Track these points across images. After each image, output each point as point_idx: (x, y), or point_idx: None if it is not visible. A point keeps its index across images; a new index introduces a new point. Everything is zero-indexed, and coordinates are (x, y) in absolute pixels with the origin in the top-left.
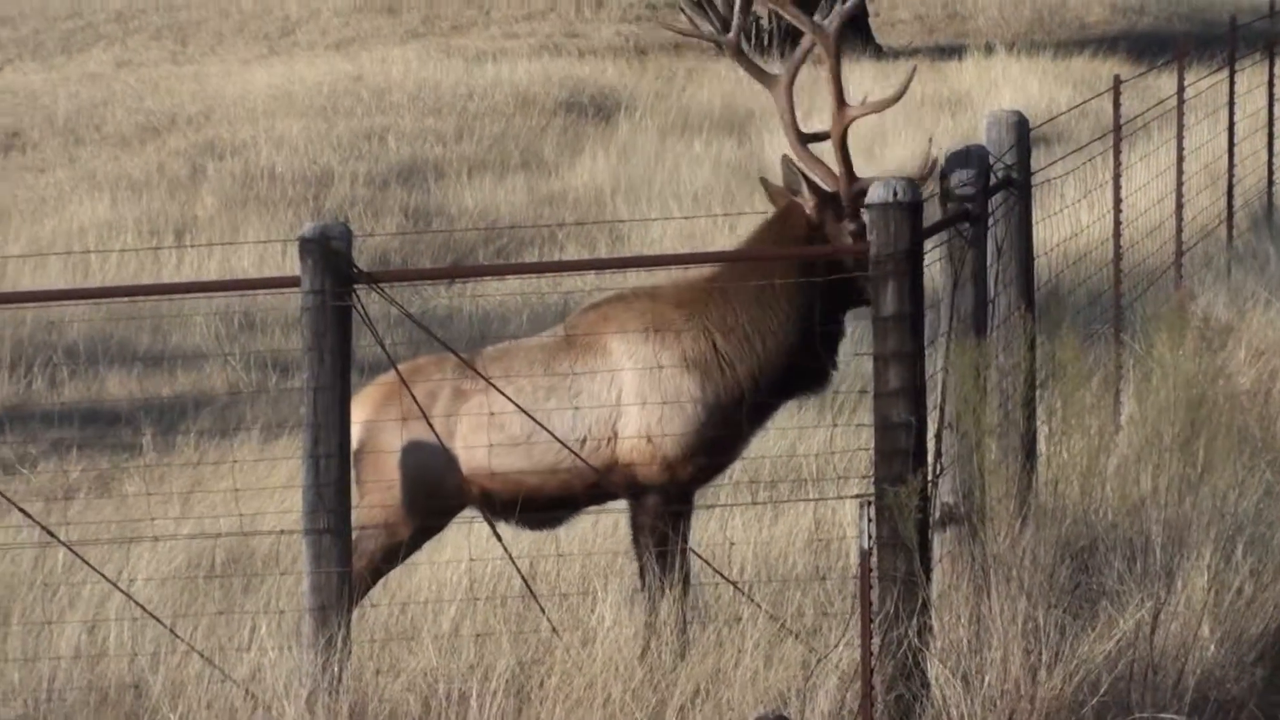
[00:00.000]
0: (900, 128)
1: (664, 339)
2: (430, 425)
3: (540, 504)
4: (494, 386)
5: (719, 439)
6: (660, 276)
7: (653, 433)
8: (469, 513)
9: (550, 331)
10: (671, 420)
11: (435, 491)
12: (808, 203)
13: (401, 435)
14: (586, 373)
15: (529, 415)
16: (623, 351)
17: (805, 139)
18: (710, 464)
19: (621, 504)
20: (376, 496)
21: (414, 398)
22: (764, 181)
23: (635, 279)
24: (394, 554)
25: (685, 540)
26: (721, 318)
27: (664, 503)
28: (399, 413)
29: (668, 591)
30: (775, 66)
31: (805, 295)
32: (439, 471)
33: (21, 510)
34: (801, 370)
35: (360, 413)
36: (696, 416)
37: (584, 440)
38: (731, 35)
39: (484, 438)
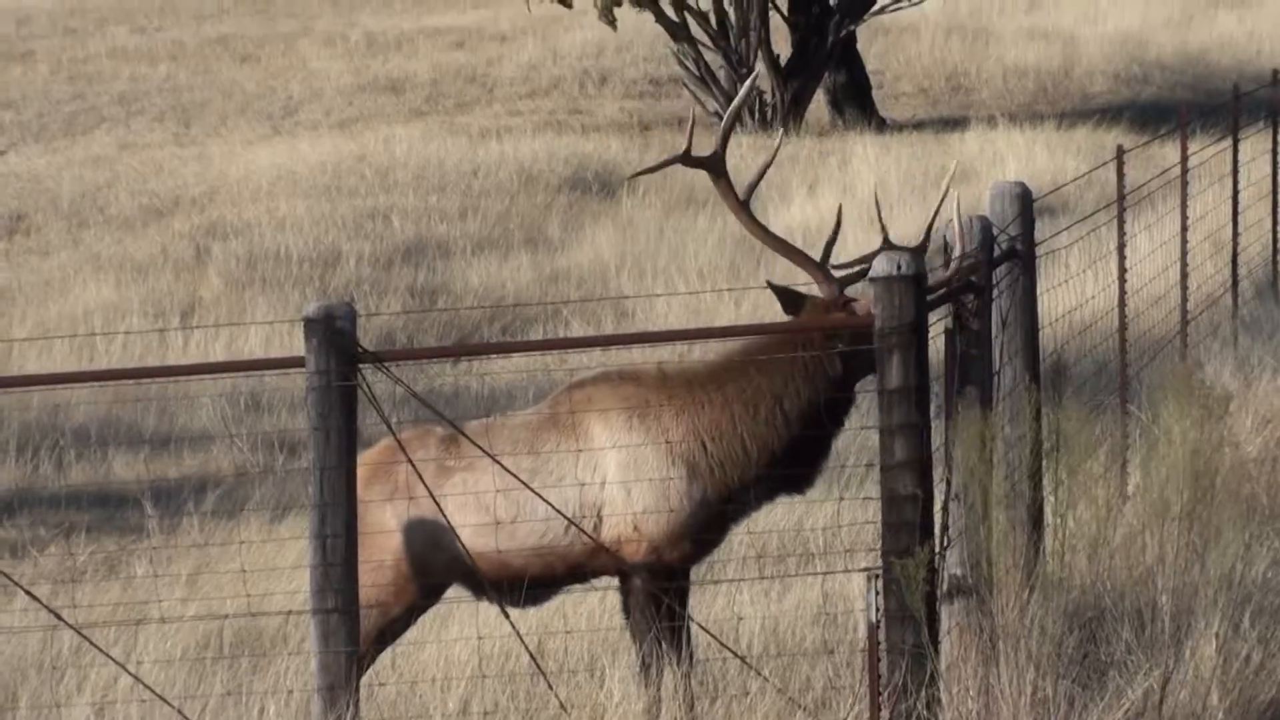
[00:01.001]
0: (906, 199)
1: (649, 425)
2: (434, 498)
3: (527, 583)
4: (492, 458)
5: (704, 525)
6: (666, 352)
7: (637, 516)
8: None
9: (535, 408)
10: (656, 504)
11: (423, 570)
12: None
13: (386, 514)
14: (569, 452)
15: (527, 485)
16: (605, 434)
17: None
18: (695, 549)
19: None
20: (365, 576)
21: (412, 465)
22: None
23: (640, 355)
24: (388, 632)
25: (685, 615)
26: (712, 423)
27: (653, 582)
28: (383, 491)
29: (674, 667)
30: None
31: (800, 402)
32: (425, 550)
33: (29, 593)
34: (789, 478)
35: None
36: (681, 503)
37: (567, 523)
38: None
39: (468, 517)
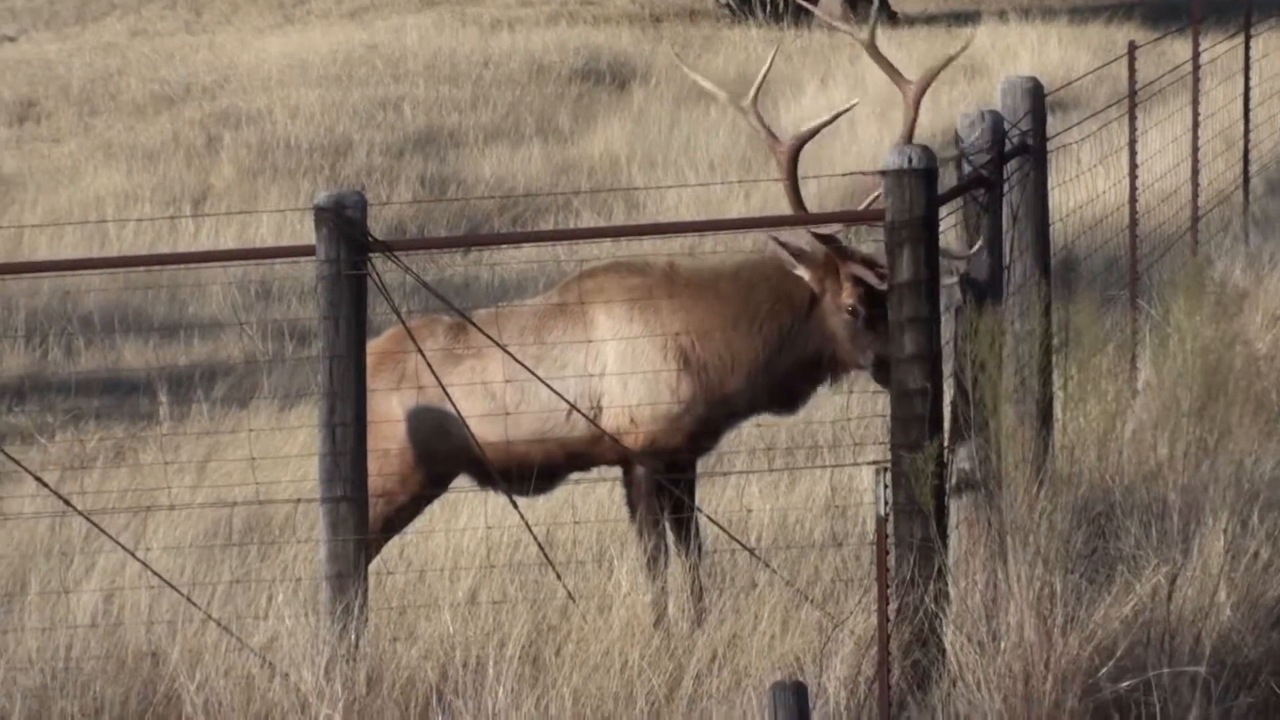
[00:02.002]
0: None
1: (648, 318)
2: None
3: (529, 471)
4: (500, 346)
5: (697, 422)
6: (676, 244)
7: (633, 407)
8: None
9: (544, 296)
10: (651, 395)
11: (429, 459)
12: (808, 275)
13: (393, 403)
14: (574, 342)
15: (530, 372)
16: (608, 324)
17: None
18: (691, 443)
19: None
20: (373, 464)
21: (421, 354)
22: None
23: (650, 246)
24: (394, 521)
25: (693, 506)
26: (701, 322)
27: (656, 473)
28: (389, 380)
29: (681, 559)
30: (790, 33)
31: (779, 342)
32: (430, 438)
33: (38, 479)
34: (773, 397)
35: None
36: (673, 397)
37: (569, 409)
38: (866, 37)
39: (475, 405)
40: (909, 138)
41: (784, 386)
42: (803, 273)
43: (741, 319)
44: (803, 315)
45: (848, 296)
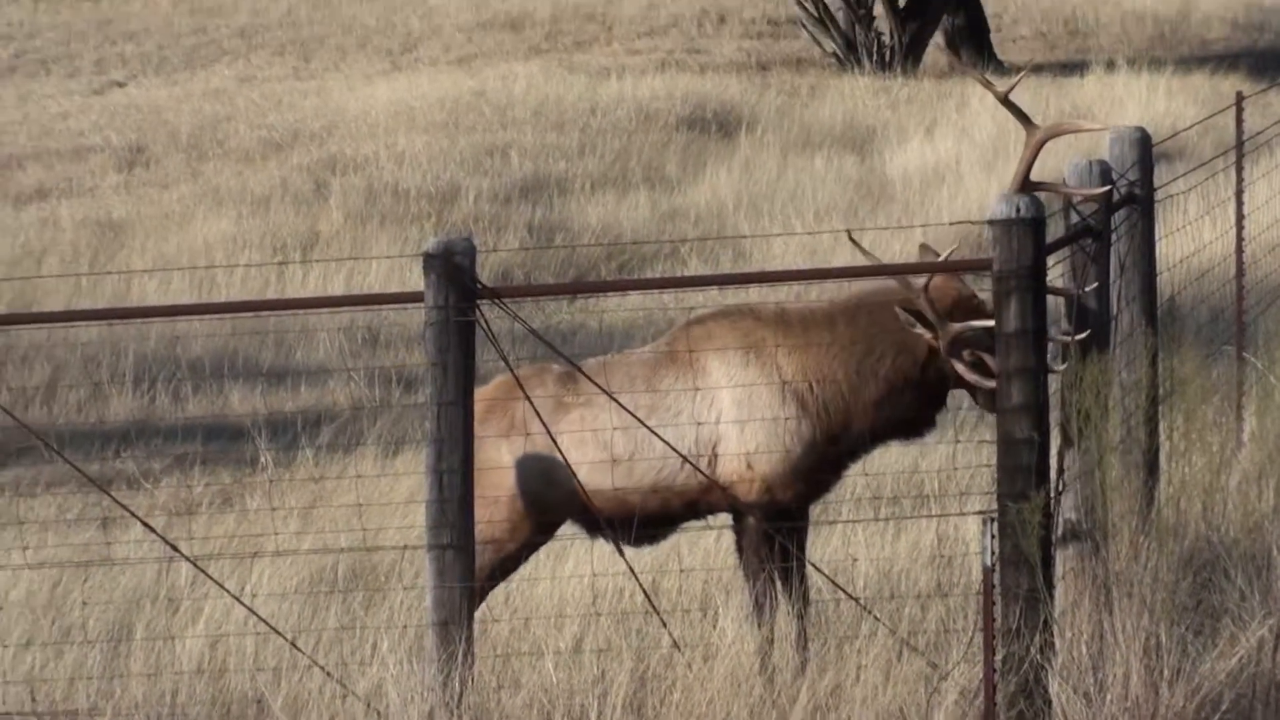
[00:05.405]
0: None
1: (764, 363)
2: (549, 435)
3: (642, 520)
4: (610, 396)
5: (815, 466)
6: (782, 293)
7: (750, 454)
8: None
9: (653, 345)
10: (769, 442)
11: (538, 507)
12: (926, 335)
13: (502, 450)
14: (686, 390)
15: (642, 425)
16: (722, 371)
17: (1031, 187)
18: (808, 489)
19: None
20: (480, 512)
21: (530, 402)
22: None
23: (757, 294)
24: (501, 569)
25: (803, 555)
26: (819, 366)
27: (767, 521)
28: (499, 428)
29: (787, 607)
30: (898, 82)
31: (903, 381)
32: (540, 487)
33: (145, 524)
34: (899, 425)
35: None
36: (793, 442)
37: (683, 460)
38: (1002, 89)
39: (585, 454)
40: (1024, 180)
41: (906, 417)
42: (922, 331)
43: (864, 359)
44: (922, 358)
45: (964, 370)
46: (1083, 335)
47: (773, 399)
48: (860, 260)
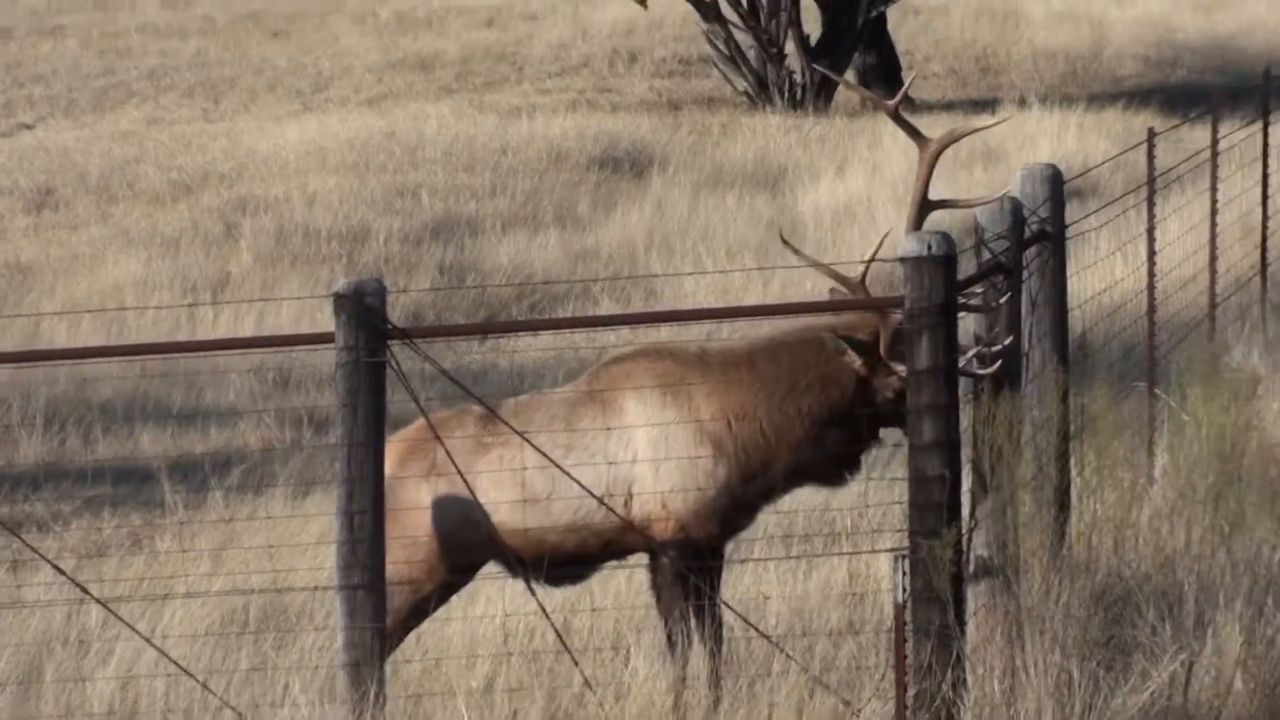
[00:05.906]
0: (935, 180)
1: (681, 403)
2: (461, 477)
3: (560, 560)
4: (521, 436)
5: (731, 506)
6: (694, 331)
7: (665, 494)
8: (499, 567)
9: (574, 384)
10: (685, 482)
11: (456, 548)
12: (856, 363)
13: (422, 492)
14: (603, 430)
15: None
16: (639, 411)
17: (931, 206)
18: (722, 529)
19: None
20: (399, 553)
21: (445, 448)
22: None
23: (668, 333)
24: (419, 610)
25: (716, 594)
26: (739, 405)
27: (682, 561)
28: (419, 469)
29: (700, 645)
30: (809, 122)
31: (828, 416)
32: (460, 528)
33: (55, 567)
34: (816, 469)
35: None
36: (708, 483)
37: (600, 499)
38: (892, 102)
39: (503, 494)
40: (923, 196)
41: (828, 457)
42: (852, 359)
43: (787, 396)
44: (850, 390)
45: (897, 383)
46: (994, 368)
47: (689, 439)
48: (794, 261)
